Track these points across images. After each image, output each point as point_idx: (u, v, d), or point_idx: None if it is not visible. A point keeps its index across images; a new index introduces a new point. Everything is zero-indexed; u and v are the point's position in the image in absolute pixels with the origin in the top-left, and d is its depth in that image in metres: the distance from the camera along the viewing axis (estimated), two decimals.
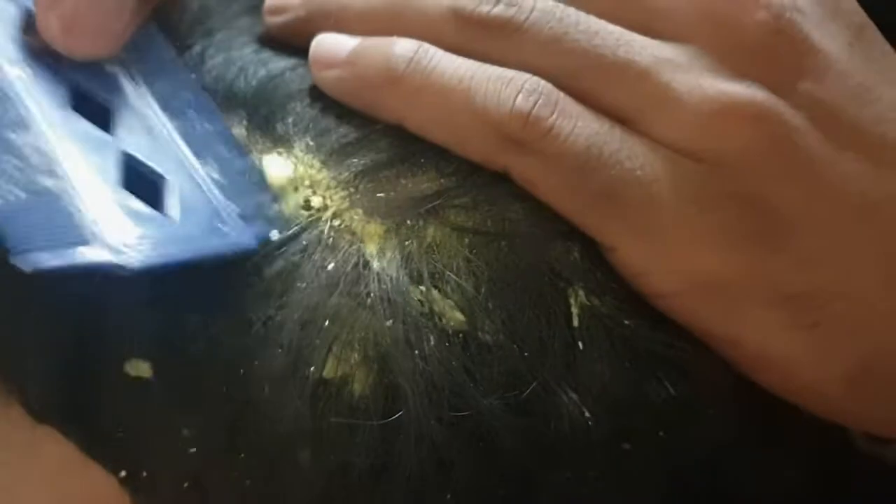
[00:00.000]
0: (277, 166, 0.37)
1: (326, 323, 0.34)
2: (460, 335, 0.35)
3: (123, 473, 0.36)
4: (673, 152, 0.36)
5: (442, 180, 0.37)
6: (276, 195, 0.36)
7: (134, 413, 0.35)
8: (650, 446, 0.37)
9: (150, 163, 0.36)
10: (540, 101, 0.36)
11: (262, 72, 0.39)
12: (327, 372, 0.34)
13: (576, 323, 0.36)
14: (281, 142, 0.38)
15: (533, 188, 0.37)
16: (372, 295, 0.35)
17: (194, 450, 0.35)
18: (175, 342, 0.35)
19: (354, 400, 0.34)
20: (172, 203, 0.36)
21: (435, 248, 0.36)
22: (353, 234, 0.36)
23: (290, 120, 0.38)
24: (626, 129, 0.37)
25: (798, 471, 0.40)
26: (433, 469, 0.34)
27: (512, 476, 0.35)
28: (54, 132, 0.36)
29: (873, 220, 0.37)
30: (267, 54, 0.40)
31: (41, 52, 0.38)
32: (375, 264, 0.35)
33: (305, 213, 0.36)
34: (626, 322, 0.36)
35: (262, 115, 0.38)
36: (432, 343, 0.34)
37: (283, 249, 0.35)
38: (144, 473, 0.35)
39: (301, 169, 0.37)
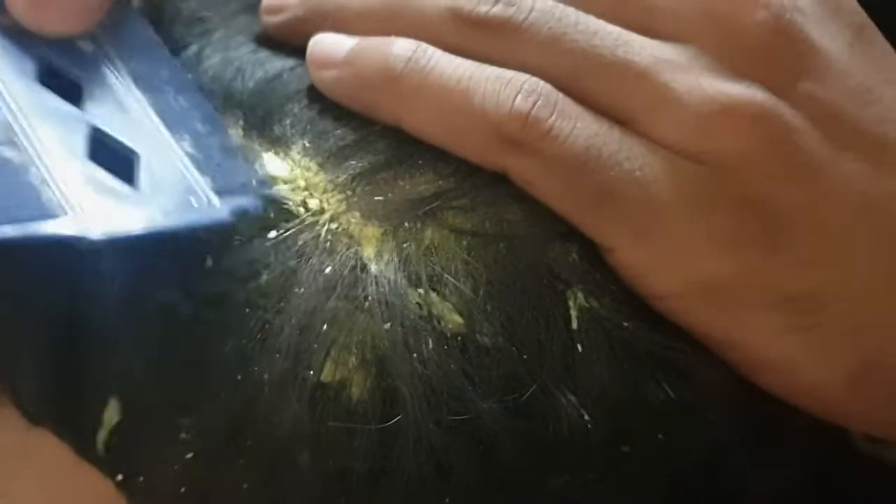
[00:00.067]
0: (274, 168, 0.37)
1: (324, 327, 0.34)
2: (459, 338, 0.35)
3: (120, 477, 0.36)
4: (672, 153, 0.36)
5: (440, 182, 0.37)
6: (264, 178, 0.36)
7: (130, 416, 0.35)
8: (649, 449, 0.37)
9: (120, 137, 0.36)
10: (539, 101, 0.36)
11: (259, 72, 0.39)
12: (325, 376, 0.34)
13: (574, 325, 0.36)
14: (278, 143, 0.37)
15: (532, 189, 0.36)
16: (370, 298, 0.35)
17: (191, 454, 0.34)
18: (171, 345, 0.34)
19: (353, 404, 0.34)
20: (143, 177, 0.35)
21: (433, 250, 0.36)
22: (351, 237, 0.35)
23: (287, 122, 0.38)
24: (625, 129, 0.37)
25: (798, 472, 0.40)
26: (432, 473, 0.34)
27: (511, 479, 0.35)
28: (18, 105, 0.35)
29: (874, 220, 0.37)
30: (264, 54, 0.40)
31: (11, 30, 0.37)
32: (373, 267, 0.35)
33: (303, 216, 0.36)
34: (625, 324, 0.36)
35: (259, 117, 0.38)
36: (431, 346, 0.34)
37: (279, 254, 0.35)
38: (141, 478, 0.35)
39: (298, 172, 0.37)
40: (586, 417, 0.35)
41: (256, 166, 0.37)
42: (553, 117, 0.36)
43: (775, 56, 0.37)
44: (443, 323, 0.35)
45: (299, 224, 0.36)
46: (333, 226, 0.36)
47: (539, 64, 0.37)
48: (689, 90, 0.36)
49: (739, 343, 0.37)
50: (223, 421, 0.34)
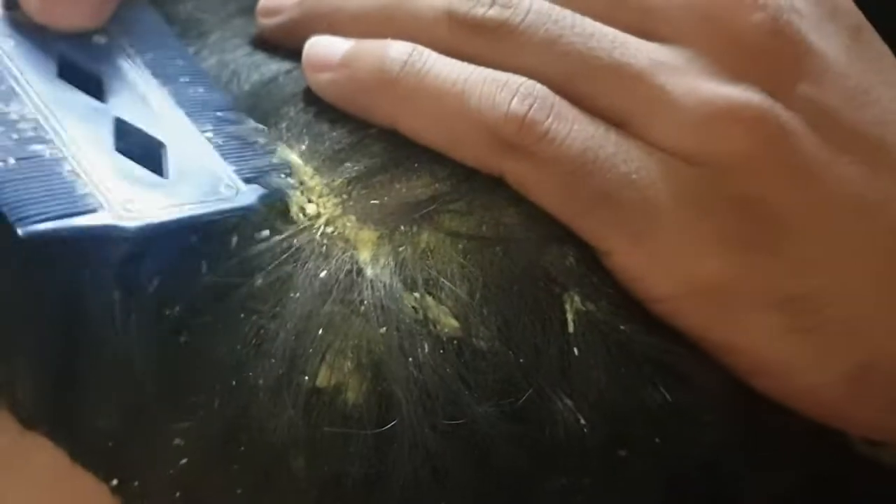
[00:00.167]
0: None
1: (320, 331, 0.34)
2: (455, 342, 0.35)
3: (115, 482, 0.36)
4: (669, 156, 0.36)
5: (436, 185, 0.37)
6: (284, 164, 0.36)
7: (125, 422, 0.35)
8: (646, 453, 0.36)
9: (144, 128, 0.36)
10: (535, 104, 0.36)
11: (255, 75, 0.39)
12: (321, 381, 0.34)
13: (571, 329, 0.36)
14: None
15: (528, 192, 0.36)
16: (365, 302, 0.34)
17: (186, 460, 0.34)
18: (166, 350, 0.34)
19: (348, 409, 0.34)
20: (170, 166, 0.35)
21: (429, 254, 0.35)
22: (347, 241, 0.35)
23: (283, 125, 0.38)
24: (621, 132, 0.36)
25: (796, 475, 0.40)
26: (428, 478, 0.34)
27: (507, 484, 0.35)
28: (43, 102, 0.35)
29: (871, 222, 0.37)
30: (260, 57, 0.40)
31: (26, 26, 0.37)
32: (369, 271, 0.35)
33: (300, 220, 0.36)
34: (622, 327, 0.36)
35: (255, 120, 0.38)
36: (426, 350, 0.34)
37: (274, 258, 0.35)
38: (136, 482, 0.35)
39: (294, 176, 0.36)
40: (583, 421, 0.35)
41: (275, 154, 0.37)
42: (549, 120, 0.36)
43: (772, 58, 0.37)
44: (439, 327, 0.35)
45: (295, 228, 0.35)
46: (329, 230, 0.36)
47: (535, 66, 0.37)
48: (686, 92, 0.36)
49: (737, 346, 0.37)
50: (218, 426, 0.34)
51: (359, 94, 0.38)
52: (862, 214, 0.37)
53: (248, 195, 0.35)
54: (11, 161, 0.33)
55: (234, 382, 0.34)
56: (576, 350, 0.35)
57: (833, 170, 0.37)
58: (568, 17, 0.37)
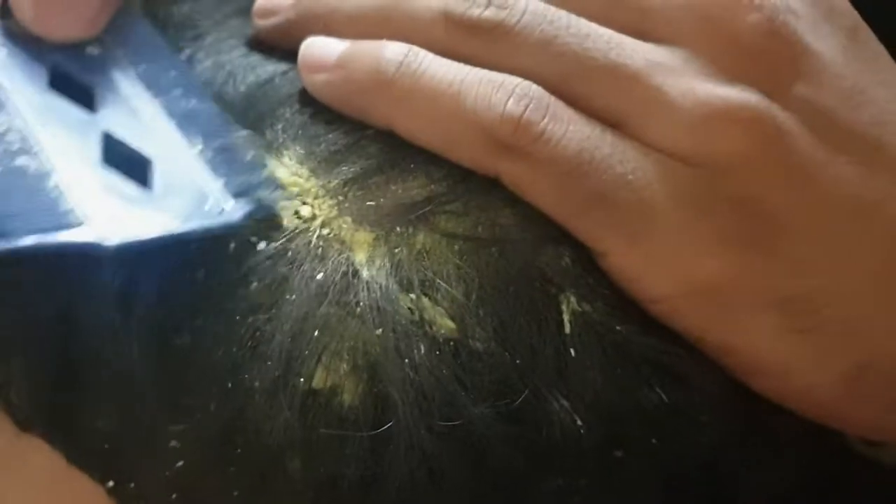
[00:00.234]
0: (277, 171, 0.37)
1: (316, 333, 0.34)
2: (451, 343, 0.35)
3: (111, 483, 0.36)
4: (665, 156, 0.36)
5: (432, 186, 0.36)
6: (271, 180, 0.36)
7: (121, 424, 0.35)
8: (643, 453, 0.36)
9: (132, 142, 0.36)
10: (531, 105, 0.36)
11: (251, 77, 0.39)
12: (317, 382, 0.34)
13: (567, 329, 0.36)
14: (270, 148, 0.37)
15: (524, 193, 0.36)
16: (361, 304, 0.34)
17: (182, 462, 0.34)
18: (163, 353, 0.34)
19: (344, 410, 0.34)
20: (157, 181, 0.35)
21: (425, 255, 0.35)
22: (342, 242, 0.35)
23: (279, 126, 0.38)
24: (617, 133, 0.36)
25: (794, 475, 0.40)
26: (424, 479, 0.34)
27: (503, 485, 0.35)
28: (32, 112, 0.35)
29: (868, 222, 0.37)
30: (256, 58, 0.40)
31: (20, 36, 0.37)
32: (365, 273, 0.35)
33: (295, 222, 0.36)
34: (619, 328, 0.36)
35: (251, 121, 0.38)
36: (423, 351, 0.34)
37: (270, 261, 0.35)
38: (132, 484, 0.35)
39: (290, 178, 0.36)
40: (579, 422, 0.35)
41: (265, 169, 0.37)
42: (545, 121, 0.36)
43: (769, 59, 0.37)
44: (435, 328, 0.35)
45: (291, 232, 0.35)
46: (325, 231, 0.36)
47: (531, 67, 0.37)
48: (683, 93, 0.36)
49: (734, 346, 0.37)
50: (214, 428, 0.34)
51: (355, 95, 0.38)
52: (859, 215, 0.37)
53: (236, 212, 0.35)
54: None
55: (230, 384, 0.34)
56: (572, 351, 0.35)
57: (830, 170, 0.37)
58: (563, 17, 0.37)
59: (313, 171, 0.37)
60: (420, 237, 0.36)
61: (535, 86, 0.36)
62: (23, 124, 0.35)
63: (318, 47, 0.39)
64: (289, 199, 0.36)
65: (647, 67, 0.36)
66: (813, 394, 0.38)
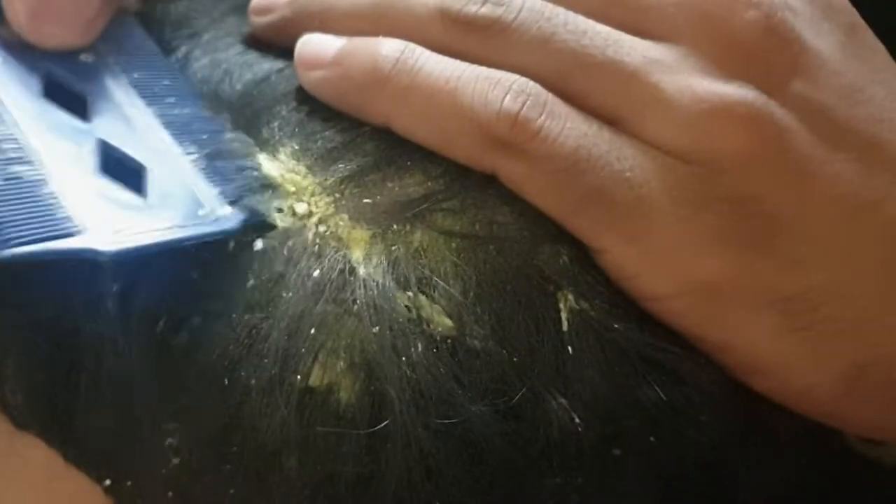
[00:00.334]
0: (269, 170, 0.37)
1: (312, 331, 0.34)
2: (448, 341, 0.35)
3: (108, 482, 0.35)
4: (663, 154, 0.36)
5: (429, 183, 0.36)
6: (265, 181, 0.36)
7: (118, 423, 0.35)
8: (641, 452, 0.36)
9: (127, 150, 0.36)
10: (528, 102, 0.36)
11: (247, 75, 0.39)
12: (313, 380, 0.34)
13: (565, 327, 0.35)
14: (266, 146, 0.37)
15: (521, 190, 0.36)
16: (358, 301, 0.34)
17: (179, 460, 0.34)
18: (159, 351, 0.34)
19: (341, 408, 0.34)
20: (152, 189, 0.35)
21: (422, 252, 0.35)
22: (339, 240, 0.35)
23: (275, 124, 0.38)
24: (615, 130, 0.36)
25: (793, 474, 0.40)
26: (421, 477, 0.34)
27: (501, 483, 0.35)
28: (27, 121, 0.35)
29: (865, 220, 0.37)
30: (252, 56, 0.40)
31: (13, 44, 0.37)
32: (361, 270, 0.35)
33: (291, 220, 0.36)
34: (616, 326, 0.36)
35: (248, 119, 0.38)
36: (420, 349, 0.34)
37: (267, 259, 0.35)
38: (129, 482, 0.35)
39: (286, 175, 0.36)
40: (577, 420, 0.35)
41: (256, 171, 0.37)
42: (542, 118, 0.36)
43: (766, 56, 0.37)
44: (432, 326, 0.35)
45: (287, 230, 0.35)
46: (322, 229, 0.35)
47: (528, 64, 0.37)
48: (680, 90, 0.36)
49: (733, 345, 0.37)
50: (210, 426, 0.34)
51: (351, 92, 0.38)
52: (856, 212, 0.37)
53: (231, 219, 0.35)
54: None
55: (226, 382, 0.34)
56: (570, 349, 0.35)
57: (827, 168, 0.36)
58: (561, 14, 0.37)
59: (310, 169, 0.37)
60: (417, 235, 0.35)
61: (532, 83, 0.36)
62: (17, 132, 0.35)
63: (315, 44, 0.39)
64: (284, 198, 0.36)
65: (644, 64, 0.36)
66: (812, 393, 0.38)
